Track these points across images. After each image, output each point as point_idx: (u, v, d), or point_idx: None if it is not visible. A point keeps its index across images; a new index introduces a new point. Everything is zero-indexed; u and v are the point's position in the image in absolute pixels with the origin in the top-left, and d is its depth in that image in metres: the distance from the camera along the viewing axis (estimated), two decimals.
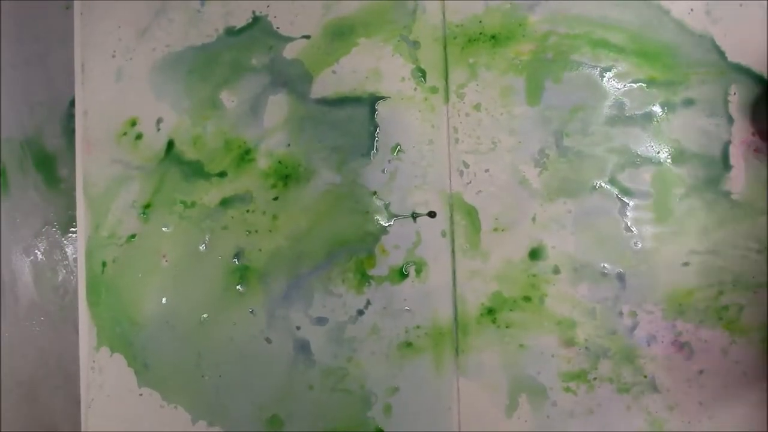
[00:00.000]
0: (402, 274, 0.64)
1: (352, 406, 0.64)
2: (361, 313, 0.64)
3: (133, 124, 0.68)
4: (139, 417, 0.66)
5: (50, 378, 0.68)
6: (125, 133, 0.68)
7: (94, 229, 0.67)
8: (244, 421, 0.64)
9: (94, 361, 0.67)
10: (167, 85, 0.68)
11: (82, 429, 0.67)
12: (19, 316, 0.69)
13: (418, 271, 0.64)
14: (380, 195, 0.65)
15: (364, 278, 0.64)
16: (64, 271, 0.69)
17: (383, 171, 0.65)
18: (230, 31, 0.67)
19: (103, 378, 0.67)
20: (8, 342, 0.69)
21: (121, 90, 0.69)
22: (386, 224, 0.65)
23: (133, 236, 0.67)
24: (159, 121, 0.68)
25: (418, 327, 0.64)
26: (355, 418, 0.64)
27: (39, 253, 0.69)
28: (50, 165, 0.69)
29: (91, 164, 0.67)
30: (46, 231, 0.69)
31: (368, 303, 0.64)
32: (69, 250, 0.68)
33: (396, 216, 0.65)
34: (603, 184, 0.64)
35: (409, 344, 0.64)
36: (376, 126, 0.65)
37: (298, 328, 0.64)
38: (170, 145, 0.67)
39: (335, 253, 0.65)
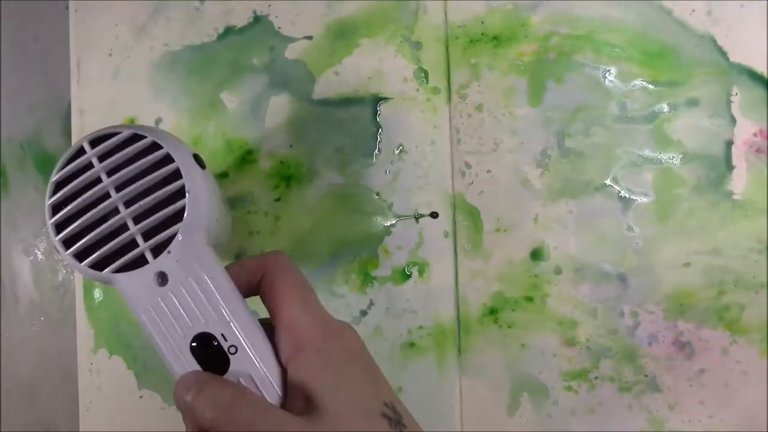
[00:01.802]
0: (405, 275, 0.64)
1: None
2: (364, 313, 0.64)
3: (131, 123, 0.68)
4: (139, 419, 0.66)
5: (50, 378, 0.68)
6: None
7: None
8: None
9: (91, 363, 0.66)
10: (166, 85, 0.67)
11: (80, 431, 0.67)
12: (19, 316, 0.69)
13: (421, 272, 0.64)
14: (383, 196, 0.65)
15: (367, 279, 0.64)
16: (64, 271, 0.68)
17: (386, 172, 0.65)
18: (230, 31, 0.67)
19: (101, 380, 0.66)
20: (8, 342, 0.69)
21: (118, 89, 0.68)
22: (389, 225, 0.65)
23: None
24: (158, 121, 0.67)
25: (420, 327, 0.64)
26: None
27: (39, 253, 0.69)
28: (50, 165, 0.68)
29: None
30: (46, 231, 0.69)
31: (371, 303, 0.64)
32: None
33: (399, 217, 0.65)
34: (605, 185, 0.64)
35: (411, 344, 0.64)
36: (378, 127, 0.65)
37: None
38: None
39: (338, 254, 0.65)
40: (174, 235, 0.43)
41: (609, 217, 0.64)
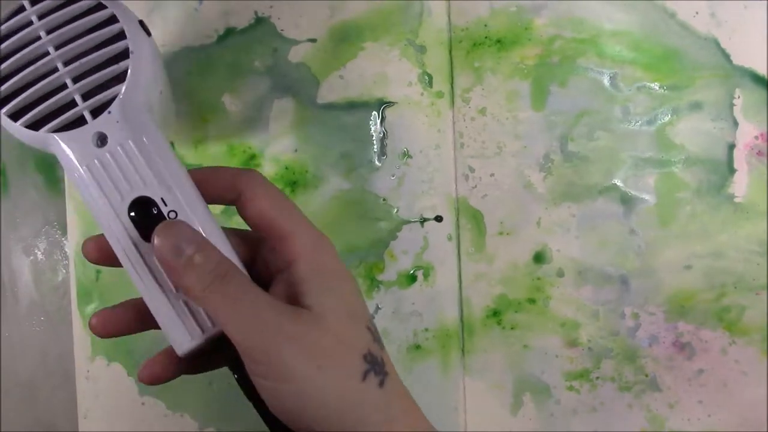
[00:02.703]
0: (410, 279, 0.65)
1: None
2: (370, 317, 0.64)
3: None
4: (140, 426, 0.65)
5: (50, 378, 0.68)
6: None
7: (85, 234, 0.66)
8: (255, 426, 0.64)
9: (88, 371, 0.66)
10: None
11: None
12: (19, 316, 0.68)
13: (426, 275, 0.65)
14: (389, 201, 0.65)
15: (373, 283, 0.65)
16: (64, 271, 0.68)
17: (392, 176, 0.65)
18: (231, 32, 0.66)
19: (99, 388, 0.66)
20: (8, 342, 0.68)
21: None
22: (395, 229, 0.65)
23: None
24: None
25: (426, 330, 0.64)
26: None
27: (39, 253, 0.69)
28: (51, 165, 0.68)
29: None
30: (46, 231, 0.68)
31: (378, 307, 0.65)
32: (69, 252, 0.68)
33: (404, 221, 0.65)
34: (607, 188, 0.64)
35: (417, 347, 0.64)
36: (383, 131, 0.65)
37: None
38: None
39: (344, 259, 0.64)
40: (115, 96, 0.42)
41: (611, 220, 0.64)
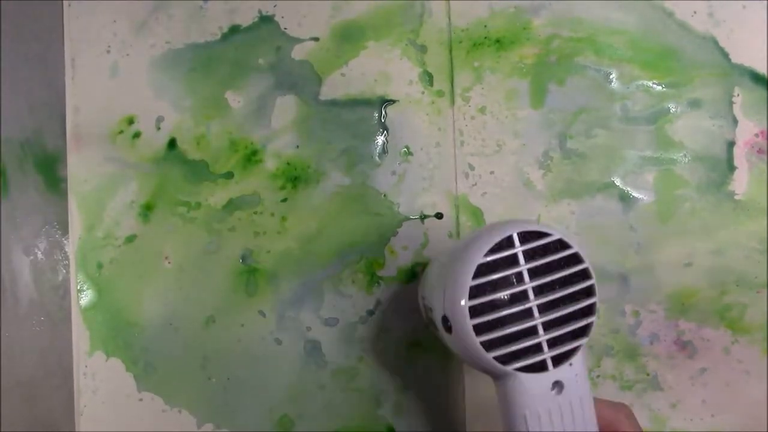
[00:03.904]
0: (410, 275, 0.65)
1: (362, 404, 0.64)
2: (371, 313, 0.64)
3: (131, 122, 0.67)
4: (138, 422, 0.65)
5: (50, 378, 0.68)
6: (121, 131, 0.67)
7: (87, 229, 0.66)
8: (254, 422, 0.64)
9: (86, 366, 0.66)
10: (168, 83, 0.67)
11: None
12: (19, 316, 0.68)
13: None
14: (389, 197, 0.65)
15: (373, 279, 0.65)
16: (64, 271, 0.68)
17: (392, 173, 0.65)
18: (236, 30, 0.67)
19: (97, 383, 0.65)
20: (8, 342, 0.68)
21: (117, 86, 0.67)
22: (395, 225, 0.65)
23: (133, 237, 0.66)
24: (159, 119, 0.67)
25: (426, 327, 0.64)
26: (366, 417, 0.64)
27: (39, 253, 0.68)
28: (51, 165, 0.68)
29: (82, 162, 0.66)
30: (46, 231, 0.68)
31: (378, 303, 0.65)
32: (69, 250, 0.68)
33: (405, 217, 0.65)
34: (606, 186, 0.65)
35: (417, 343, 0.64)
36: (385, 128, 0.65)
37: (308, 328, 0.64)
38: (172, 144, 0.66)
39: (345, 255, 0.65)
40: (576, 349, 0.44)
41: (611, 217, 0.65)
